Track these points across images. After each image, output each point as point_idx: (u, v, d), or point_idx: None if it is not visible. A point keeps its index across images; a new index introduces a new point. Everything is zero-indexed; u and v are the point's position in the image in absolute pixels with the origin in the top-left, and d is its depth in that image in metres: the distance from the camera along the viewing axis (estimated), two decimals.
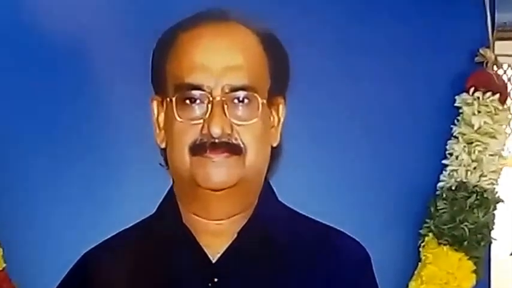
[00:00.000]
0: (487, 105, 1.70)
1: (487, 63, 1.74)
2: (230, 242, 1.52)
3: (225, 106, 1.45)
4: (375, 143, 1.73)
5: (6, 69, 1.62)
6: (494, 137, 1.71)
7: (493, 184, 1.71)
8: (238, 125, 1.47)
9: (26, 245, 1.61)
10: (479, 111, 1.70)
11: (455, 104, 1.72)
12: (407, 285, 1.67)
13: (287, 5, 1.66)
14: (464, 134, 1.70)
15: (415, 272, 1.68)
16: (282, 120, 1.56)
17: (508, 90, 1.76)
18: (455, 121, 1.72)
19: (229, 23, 1.53)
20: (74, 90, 1.63)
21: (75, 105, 1.62)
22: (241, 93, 1.47)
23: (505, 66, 2.49)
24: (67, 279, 1.56)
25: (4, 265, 1.56)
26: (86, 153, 1.63)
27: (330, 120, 1.70)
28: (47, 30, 1.63)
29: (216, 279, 1.50)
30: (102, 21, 1.63)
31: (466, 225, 1.67)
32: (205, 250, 1.51)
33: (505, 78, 1.98)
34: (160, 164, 1.55)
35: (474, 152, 1.70)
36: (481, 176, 1.70)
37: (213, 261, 1.51)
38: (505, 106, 1.74)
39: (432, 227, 1.68)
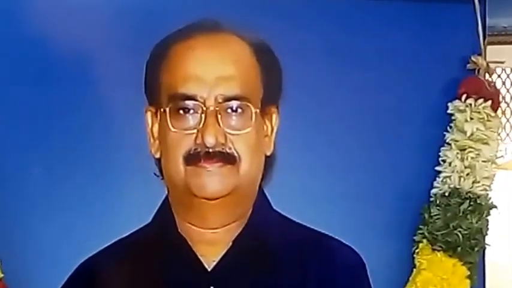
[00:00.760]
0: (479, 112, 1.71)
1: (478, 70, 1.75)
2: (225, 250, 1.51)
3: (219, 116, 1.45)
4: (369, 150, 1.74)
5: (3, 83, 1.64)
6: (486, 143, 1.72)
7: (486, 190, 1.73)
8: (232, 135, 1.46)
9: (22, 255, 1.61)
10: (471, 118, 1.71)
11: (448, 111, 1.73)
12: None
13: (279, 16, 1.67)
14: (457, 141, 1.72)
15: (410, 279, 1.68)
16: (275, 129, 1.56)
17: (500, 97, 1.79)
18: (448, 128, 1.73)
19: (222, 34, 1.53)
20: (69, 102, 1.63)
21: (70, 117, 1.63)
22: (234, 103, 1.46)
23: (498, 70, 2.51)
24: None
25: (1, 275, 1.55)
26: (81, 165, 1.64)
27: (323, 129, 1.72)
28: (43, 44, 1.64)
29: (211, 287, 1.49)
30: (96, 35, 1.64)
31: (459, 231, 1.67)
32: (201, 259, 1.51)
33: (499, 81, 1.99)
34: (155, 174, 1.54)
35: (467, 158, 1.71)
36: (474, 182, 1.71)
37: (209, 270, 1.51)
38: (497, 113, 1.76)
39: (426, 233, 1.69)
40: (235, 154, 1.46)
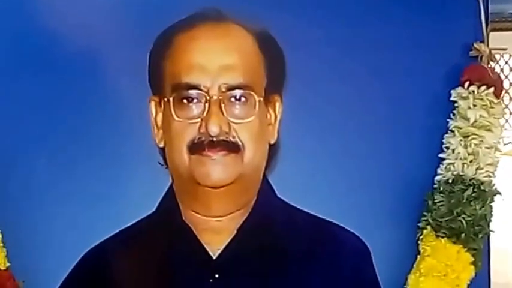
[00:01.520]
0: (482, 99, 1.68)
1: (481, 57, 1.71)
2: (230, 238, 1.57)
3: (222, 105, 1.49)
4: (372, 139, 1.72)
5: (7, 74, 1.64)
6: (490, 130, 1.68)
7: (489, 177, 1.69)
8: (236, 123, 1.51)
9: (29, 244, 1.62)
10: (474, 105, 1.67)
11: (451, 98, 1.69)
12: (406, 278, 1.67)
13: (282, 6, 1.67)
14: (460, 128, 1.68)
15: (414, 265, 1.67)
16: (278, 117, 1.61)
17: (503, 83, 1.76)
18: (451, 115, 1.70)
19: (225, 23, 1.57)
20: (75, 94, 1.64)
21: (76, 108, 1.64)
22: (237, 92, 1.51)
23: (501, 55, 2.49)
24: (70, 277, 1.60)
25: (8, 264, 1.57)
26: (86, 155, 1.64)
27: (327, 117, 1.70)
28: (49, 35, 1.64)
29: (217, 275, 1.55)
30: (101, 26, 1.65)
31: (463, 218, 1.65)
32: (206, 247, 1.57)
33: (497, 67, 1.98)
34: (159, 163, 1.59)
35: (470, 145, 1.68)
36: (477, 169, 1.68)
37: (214, 258, 1.56)
38: (500, 99, 1.73)
39: (430, 220, 1.67)
40: (239, 143, 1.52)
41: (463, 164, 1.68)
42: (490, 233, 1.71)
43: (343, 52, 1.69)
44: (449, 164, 1.70)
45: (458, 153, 1.68)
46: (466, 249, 1.66)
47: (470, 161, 1.68)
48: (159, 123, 1.58)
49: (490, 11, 1.75)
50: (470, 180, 1.67)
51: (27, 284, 1.60)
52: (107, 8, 1.66)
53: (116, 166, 1.63)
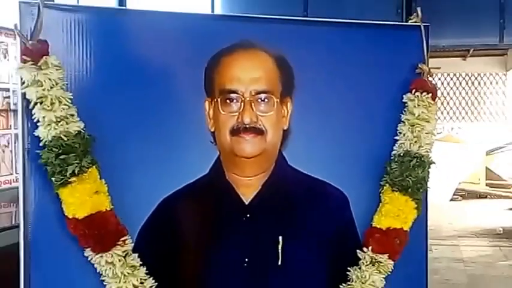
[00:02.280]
0: (423, 101, 1.79)
1: (423, 74, 1.81)
2: (257, 191, 1.72)
3: (252, 104, 1.67)
4: (354, 127, 1.80)
5: (111, 87, 1.65)
6: (428, 121, 1.79)
7: (427, 152, 1.80)
8: (261, 116, 1.68)
9: (123, 197, 1.59)
10: (418, 105, 1.78)
11: (403, 100, 1.81)
12: (372, 218, 1.76)
13: (291, 40, 1.73)
14: (409, 120, 1.79)
15: (377, 209, 1.77)
16: (289, 112, 1.74)
17: (437, 91, 1.82)
18: (403, 111, 1.80)
19: (254, 50, 1.72)
20: (156, 99, 1.66)
21: (157, 108, 1.66)
22: (262, 95, 1.69)
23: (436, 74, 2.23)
24: (151, 219, 1.65)
25: (112, 206, 1.56)
26: (165, 139, 1.66)
27: (323, 113, 1.77)
28: (136, 59, 1.66)
29: (248, 215, 1.71)
30: (172, 53, 1.68)
31: (410, 179, 1.74)
32: (241, 196, 1.72)
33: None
34: (210, 142, 1.72)
35: (415, 131, 1.77)
36: (419, 147, 1.78)
37: (246, 204, 1.71)
38: (435, 102, 1.80)
39: (388, 180, 1.76)
40: (263, 129, 1.68)
41: (410, 143, 1.77)
42: (427, 189, 1.82)
43: (333, 72, 1.77)
44: (401, 143, 1.79)
45: (407, 136, 1.78)
46: (411, 199, 1.75)
47: (415, 142, 1.78)
48: (211, 115, 1.67)
49: (430, 44, 1.83)
50: (415, 154, 1.76)
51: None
52: (176, 40, 1.69)
53: (184, 145, 1.67)
